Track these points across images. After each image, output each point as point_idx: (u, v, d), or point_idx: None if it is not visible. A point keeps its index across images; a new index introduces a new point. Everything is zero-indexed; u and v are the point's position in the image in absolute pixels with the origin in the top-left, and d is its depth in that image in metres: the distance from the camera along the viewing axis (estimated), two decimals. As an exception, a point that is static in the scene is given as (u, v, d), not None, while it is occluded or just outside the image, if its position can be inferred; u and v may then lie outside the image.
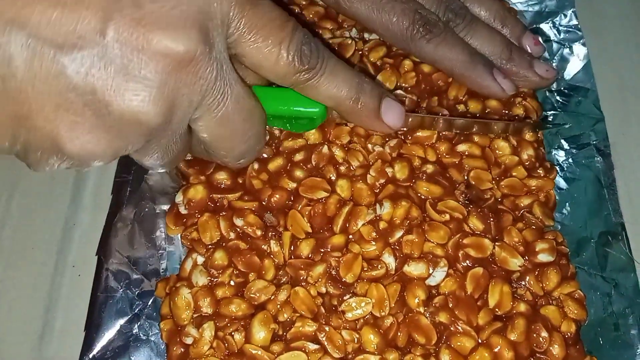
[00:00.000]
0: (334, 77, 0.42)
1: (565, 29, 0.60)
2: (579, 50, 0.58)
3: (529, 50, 0.54)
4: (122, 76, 0.32)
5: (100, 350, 0.44)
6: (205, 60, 0.35)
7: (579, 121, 0.55)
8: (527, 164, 0.50)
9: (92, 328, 0.44)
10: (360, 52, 0.54)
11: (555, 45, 0.59)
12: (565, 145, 0.54)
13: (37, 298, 0.47)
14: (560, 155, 0.53)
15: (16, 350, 0.46)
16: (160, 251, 0.48)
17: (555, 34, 0.59)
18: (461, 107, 0.51)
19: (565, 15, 0.60)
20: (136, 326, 0.45)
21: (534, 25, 0.60)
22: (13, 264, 0.49)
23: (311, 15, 0.56)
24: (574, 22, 0.59)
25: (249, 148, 0.42)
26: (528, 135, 0.51)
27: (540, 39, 0.55)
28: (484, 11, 0.54)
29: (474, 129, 0.50)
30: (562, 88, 0.56)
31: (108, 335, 0.44)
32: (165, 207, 0.49)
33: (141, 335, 0.45)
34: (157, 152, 0.38)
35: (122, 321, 0.45)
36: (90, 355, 0.43)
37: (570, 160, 0.53)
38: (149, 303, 0.46)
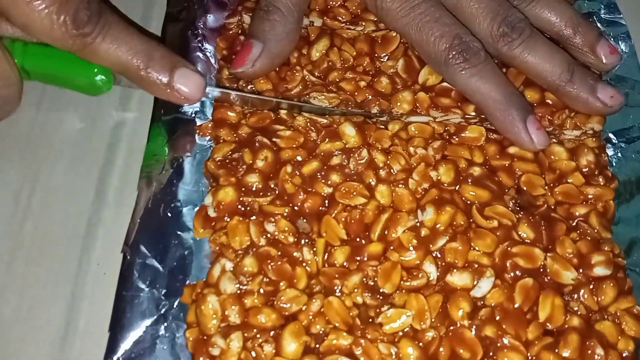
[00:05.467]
0: (118, 43, 0.41)
1: (608, 18, 0.57)
2: (624, 40, 0.56)
3: (604, 60, 0.51)
4: None
5: (125, 352, 0.42)
6: None
7: (627, 114, 0.52)
8: (585, 170, 0.48)
9: (117, 328, 0.43)
10: (405, 44, 0.53)
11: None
12: (614, 139, 0.52)
13: (59, 296, 0.46)
14: (608, 150, 0.51)
15: (37, 351, 0.44)
16: (187, 250, 0.46)
17: (598, 26, 0.57)
18: None
19: (609, 5, 0.58)
20: (162, 327, 0.44)
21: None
22: (34, 261, 0.47)
23: (354, 7, 0.55)
24: (618, 13, 0.58)
25: None
26: (589, 141, 0.50)
27: (617, 47, 0.53)
28: (555, 17, 0.51)
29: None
30: (608, 80, 0.54)
31: (133, 336, 0.43)
32: (193, 206, 0.47)
33: (167, 336, 0.43)
34: None
35: (148, 322, 0.43)
36: (115, 357, 0.42)
37: (619, 154, 0.52)
38: (176, 303, 0.44)
